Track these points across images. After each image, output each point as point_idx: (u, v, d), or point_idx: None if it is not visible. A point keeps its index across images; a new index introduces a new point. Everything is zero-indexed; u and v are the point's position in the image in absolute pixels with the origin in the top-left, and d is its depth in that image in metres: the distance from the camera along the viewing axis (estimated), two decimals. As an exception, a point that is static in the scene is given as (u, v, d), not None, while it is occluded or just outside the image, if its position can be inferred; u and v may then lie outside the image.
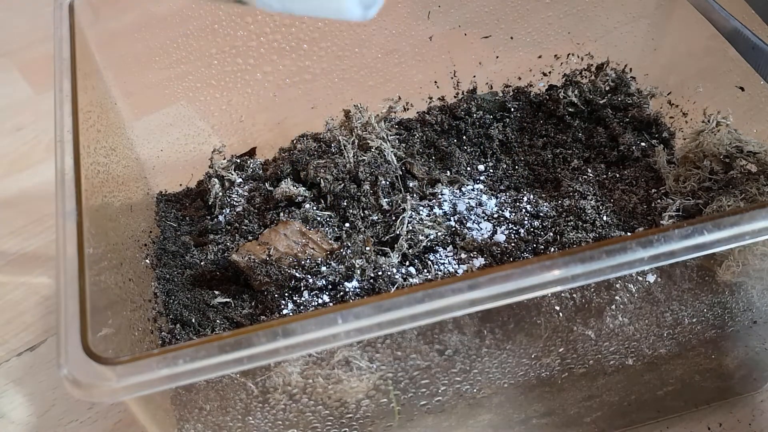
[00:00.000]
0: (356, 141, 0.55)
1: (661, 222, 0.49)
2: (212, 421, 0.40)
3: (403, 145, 0.57)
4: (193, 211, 0.58)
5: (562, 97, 0.59)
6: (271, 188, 0.55)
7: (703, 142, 0.50)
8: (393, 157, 0.54)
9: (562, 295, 0.41)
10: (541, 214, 0.51)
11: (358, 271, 0.48)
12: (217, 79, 0.60)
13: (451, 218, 0.52)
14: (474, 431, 0.47)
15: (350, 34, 0.62)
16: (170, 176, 0.61)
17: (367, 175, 0.53)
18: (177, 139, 0.61)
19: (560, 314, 0.41)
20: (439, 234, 0.50)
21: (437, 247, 0.50)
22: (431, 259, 0.49)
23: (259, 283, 0.48)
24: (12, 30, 0.92)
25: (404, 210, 0.51)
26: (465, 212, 0.52)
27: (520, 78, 0.64)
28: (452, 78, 0.64)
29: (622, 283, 0.42)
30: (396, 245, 0.49)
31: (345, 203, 0.52)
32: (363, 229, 0.51)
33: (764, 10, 0.53)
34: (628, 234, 0.49)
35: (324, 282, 0.48)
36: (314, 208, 0.52)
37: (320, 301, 0.48)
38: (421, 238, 0.49)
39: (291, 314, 0.47)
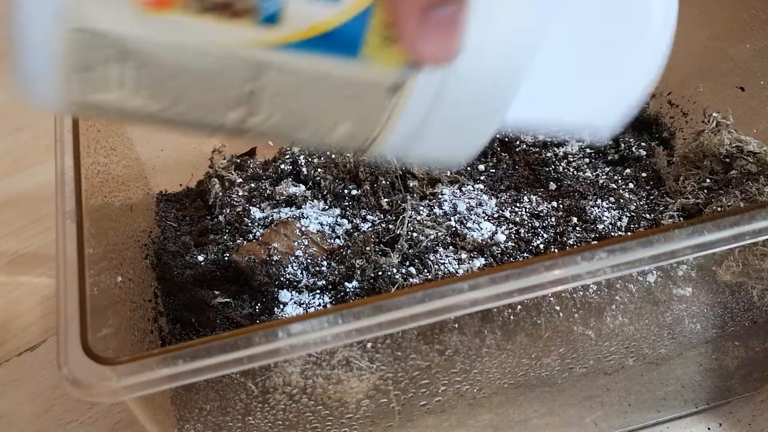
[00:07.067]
0: (356, 141, 0.55)
1: (661, 222, 0.49)
2: (212, 421, 0.40)
3: (403, 145, 0.57)
4: (193, 211, 0.58)
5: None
6: (271, 188, 0.55)
7: (703, 142, 0.50)
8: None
9: (562, 295, 0.41)
10: (541, 214, 0.51)
11: (358, 271, 0.48)
12: (218, 79, 0.60)
13: (452, 218, 0.52)
14: (474, 431, 0.47)
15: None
16: (170, 176, 0.61)
17: (367, 175, 0.53)
18: (177, 139, 0.61)
19: (560, 314, 0.41)
20: (439, 234, 0.50)
21: (437, 247, 0.50)
22: (431, 259, 0.49)
23: (259, 283, 0.48)
24: (12, 30, 0.92)
25: (404, 210, 0.51)
26: (465, 212, 0.52)
27: (520, 78, 0.64)
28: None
29: (622, 283, 0.42)
30: (396, 245, 0.49)
31: (345, 203, 0.52)
32: (363, 229, 0.51)
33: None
34: (628, 234, 0.49)
35: (324, 282, 0.48)
36: (314, 208, 0.52)
37: (320, 301, 0.48)
38: (421, 238, 0.49)
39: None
